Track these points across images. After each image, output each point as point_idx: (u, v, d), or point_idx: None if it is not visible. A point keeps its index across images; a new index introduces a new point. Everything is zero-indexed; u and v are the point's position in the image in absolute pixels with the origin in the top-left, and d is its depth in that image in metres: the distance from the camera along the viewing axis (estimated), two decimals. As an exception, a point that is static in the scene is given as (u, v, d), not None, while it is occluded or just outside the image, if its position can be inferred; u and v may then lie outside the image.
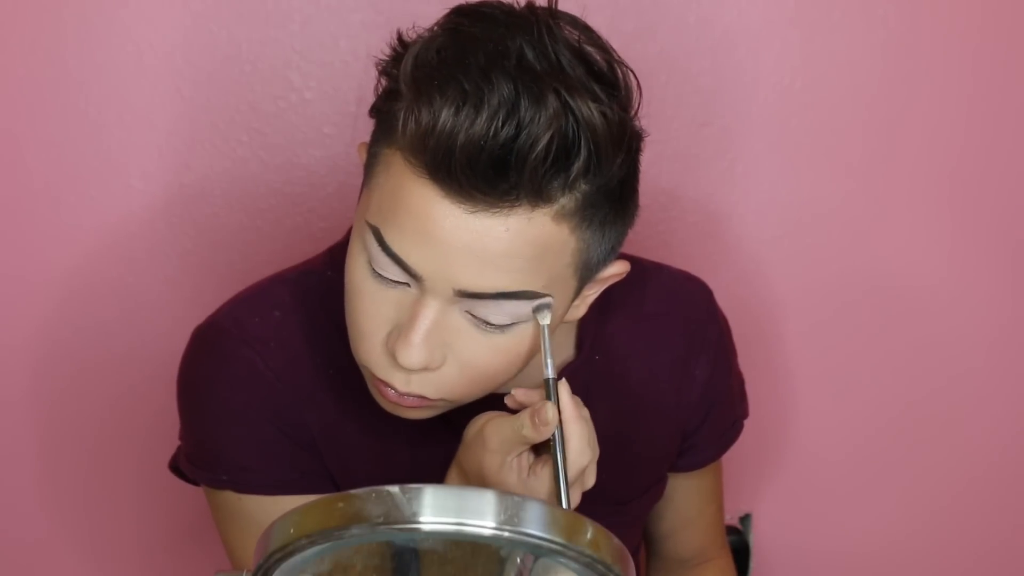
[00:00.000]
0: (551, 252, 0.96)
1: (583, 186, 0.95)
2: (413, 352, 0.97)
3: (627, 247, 1.07)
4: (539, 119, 0.90)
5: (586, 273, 1.01)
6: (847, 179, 1.52)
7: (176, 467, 1.18)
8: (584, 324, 1.17)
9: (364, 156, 1.03)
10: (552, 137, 0.91)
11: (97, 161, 1.43)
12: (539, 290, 0.96)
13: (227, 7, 1.40)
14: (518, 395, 1.00)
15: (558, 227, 0.95)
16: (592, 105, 0.92)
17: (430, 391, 1.01)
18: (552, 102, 0.91)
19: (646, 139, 1.02)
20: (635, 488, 1.22)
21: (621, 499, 1.21)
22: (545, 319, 0.98)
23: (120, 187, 1.44)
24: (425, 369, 0.99)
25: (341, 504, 0.73)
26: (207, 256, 1.47)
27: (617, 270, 1.05)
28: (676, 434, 1.23)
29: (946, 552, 1.67)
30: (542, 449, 0.99)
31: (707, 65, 1.46)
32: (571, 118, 0.91)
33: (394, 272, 0.97)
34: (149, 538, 1.58)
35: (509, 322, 0.98)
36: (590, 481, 1.00)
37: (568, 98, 0.91)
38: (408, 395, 1.01)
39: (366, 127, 1.45)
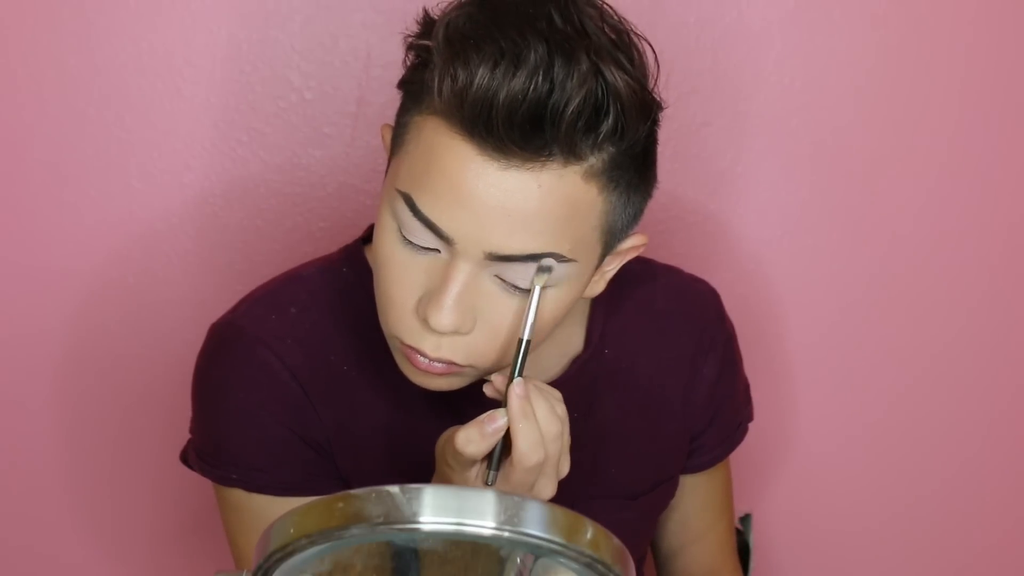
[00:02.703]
0: (580, 212, 0.98)
1: (610, 148, 0.97)
2: (444, 314, 0.98)
3: (628, 247, 1.08)
4: (572, 79, 0.93)
5: (610, 239, 1.03)
6: (847, 179, 1.52)
7: (187, 459, 1.19)
8: (594, 318, 1.18)
9: (388, 136, 1.04)
10: (584, 96, 0.93)
11: (97, 161, 1.43)
12: (565, 254, 0.98)
13: (227, 7, 1.40)
14: (496, 382, 1.01)
15: (587, 186, 0.97)
16: (617, 72, 0.95)
17: (459, 356, 1.02)
18: (583, 64, 0.93)
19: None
20: (645, 482, 1.22)
21: (631, 493, 1.21)
22: (541, 281, 0.99)
23: (120, 187, 1.44)
24: (455, 333, 1.00)
25: (341, 504, 0.72)
26: (207, 256, 1.47)
27: (636, 242, 1.06)
28: (684, 433, 1.23)
29: (947, 552, 1.66)
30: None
31: (707, 65, 1.46)
32: (600, 80, 0.94)
33: (425, 238, 0.99)
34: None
35: None
36: (564, 468, 1.01)
37: (597, 61, 0.94)
38: (437, 361, 1.02)
39: (366, 127, 1.45)
